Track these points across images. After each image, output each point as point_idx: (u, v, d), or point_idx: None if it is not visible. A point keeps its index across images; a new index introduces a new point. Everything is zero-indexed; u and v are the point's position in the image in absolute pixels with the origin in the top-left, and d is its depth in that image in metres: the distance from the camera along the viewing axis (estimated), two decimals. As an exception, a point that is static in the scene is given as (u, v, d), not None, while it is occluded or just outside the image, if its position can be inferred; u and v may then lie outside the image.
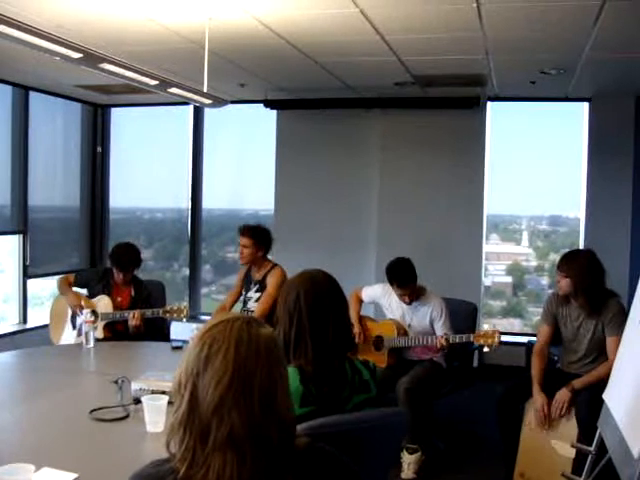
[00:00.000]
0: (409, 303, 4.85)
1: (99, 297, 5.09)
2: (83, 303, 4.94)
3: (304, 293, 2.43)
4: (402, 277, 4.80)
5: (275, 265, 5.25)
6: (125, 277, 5.15)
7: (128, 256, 5.19)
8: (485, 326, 4.65)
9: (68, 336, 5.13)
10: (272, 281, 5.10)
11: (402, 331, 4.86)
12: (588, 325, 4.19)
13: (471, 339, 4.57)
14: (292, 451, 1.48)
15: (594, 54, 4.91)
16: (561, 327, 4.35)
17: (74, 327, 5.13)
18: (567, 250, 4.73)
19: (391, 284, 4.84)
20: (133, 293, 5.21)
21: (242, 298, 5.34)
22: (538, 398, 4.16)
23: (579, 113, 6.95)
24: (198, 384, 1.44)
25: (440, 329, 4.75)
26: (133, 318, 4.86)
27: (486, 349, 4.57)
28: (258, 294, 5.19)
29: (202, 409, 1.42)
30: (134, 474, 1.49)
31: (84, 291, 5.32)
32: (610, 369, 3.95)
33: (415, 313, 4.88)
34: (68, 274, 5.39)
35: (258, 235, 5.16)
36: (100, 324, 4.87)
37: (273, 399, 1.45)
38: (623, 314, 4.03)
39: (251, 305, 5.21)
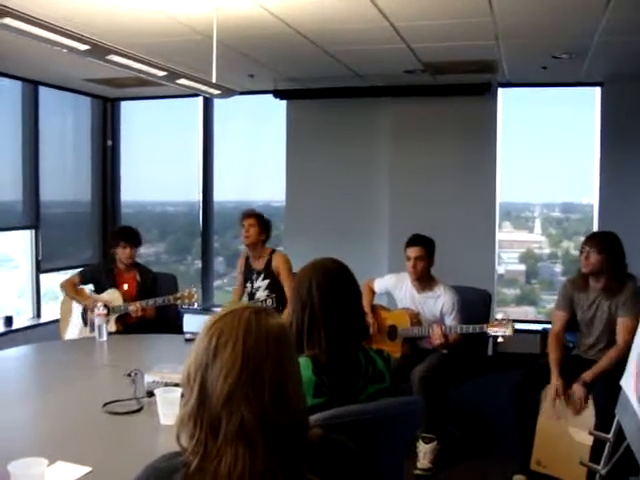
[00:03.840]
0: (417, 277, 4.81)
1: (109, 291, 5.11)
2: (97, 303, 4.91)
3: (316, 282, 2.41)
4: (414, 236, 4.85)
5: (273, 250, 5.42)
6: (131, 253, 5.22)
7: (132, 231, 5.34)
8: (499, 315, 4.60)
9: (80, 333, 5.15)
10: (282, 266, 5.29)
11: (415, 320, 4.83)
12: (604, 308, 4.19)
13: (485, 329, 4.55)
14: (305, 443, 1.46)
15: (606, 38, 4.85)
16: (577, 312, 4.34)
17: (85, 323, 5.15)
18: (593, 232, 4.72)
19: (405, 250, 4.84)
20: (139, 278, 5.28)
21: (247, 291, 5.45)
22: (556, 383, 4.15)
23: (591, 98, 6.88)
24: (207, 376, 1.42)
25: (449, 324, 4.73)
26: (136, 311, 4.91)
27: (500, 339, 4.55)
28: (266, 281, 5.33)
29: (212, 402, 1.40)
30: (146, 467, 1.48)
31: (90, 286, 5.34)
32: (619, 352, 3.94)
33: (425, 304, 4.86)
34: (71, 276, 5.43)
35: (262, 218, 5.34)
36: (112, 317, 4.88)
37: (284, 390, 1.43)
38: (638, 297, 4.03)
39: (260, 295, 5.31)
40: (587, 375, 4.05)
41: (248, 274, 5.45)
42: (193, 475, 1.38)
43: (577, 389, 4.06)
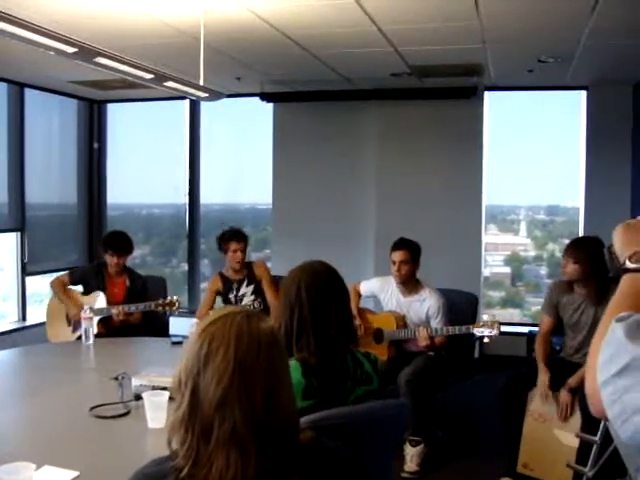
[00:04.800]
0: (402, 281, 4.82)
1: (93, 293, 5.09)
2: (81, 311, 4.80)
3: (305, 284, 2.41)
4: (399, 240, 4.86)
5: (250, 262, 5.48)
6: (119, 262, 5.18)
7: (121, 239, 5.26)
8: (484, 317, 4.62)
9: (66, 334, 5.12)
10: (265, 273, 5.40)
11: (401, 323, 4.84)
12: (589, 313, 4.18)
13: (471, 330, 4.56)
14: (296, 446, 1.46)
15: (592, 42, 4.87)
16: (563, 316, 4.35)
17: (69, 323, 5.12)
18: (575, 237, 4.74)
19: (390, 254, 4.85)
20: (128, 283, 5.26)
21: (231, 302, 5.37)
22: (543, 377, 4.19)
23: (577, 101, 6.91)
24: (199, 382, 1.42)
25: (435, 327, 4.73)
26: (118, 314, 4.89)
27: (486, 340, 4.57)
28: (251, 287, 5.34)
29: (204, 407, 1.40)
30: (136, 472, 1.47)
31: (80, 288, 5.31)
32: None
33: (411, 307, 4.86)
34: (61, 275, 5.39)
35: (246, 238, 5.38)
36: (94, 320, 4.84)
37: (275, 394, 1.44)
38: None
39: (247, 300, 5.32)
40: (572, 380, 4.06)
41: (227, 287, 5.39)
42: None
43: (563, 395, 4.07)
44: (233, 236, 5.29)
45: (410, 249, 4.80)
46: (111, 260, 5.16)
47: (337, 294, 2.46)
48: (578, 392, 4.02)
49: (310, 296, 2.39)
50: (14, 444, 2.72)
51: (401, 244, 4.82)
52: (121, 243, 5.22)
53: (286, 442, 1.43)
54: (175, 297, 4.98)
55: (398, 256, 4.78)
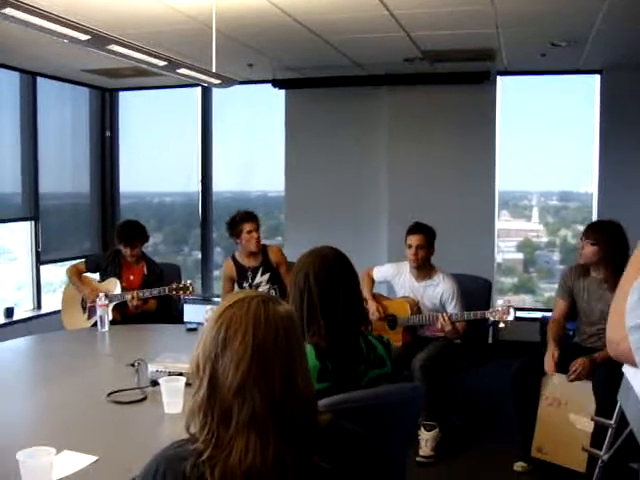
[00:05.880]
0: (418, 265, 4.82)
1: (108, 280, 5.11)
2: (99, 294, 4.78)
3: (313, 270, 2.41)
4: (416, 224, 4.86)
5: (264, 245, 5.40)
6: (133, 252, 5.17)
7: (132, 229, 5.23)
8: (499, 302, 4.61)
9: (81, 321, 5.14)
10: (283, 260, 5.37)
11: (416, 309, 4.84)
12: (608, 298, 4.14)
13: (486, 316, 4.56)
14: (315, 428, 1.47)
15: (605, 25, 4.84)
16: (578, 300, 4.32)
17: (84, 310, 5.15)
18: (592, 221, 4.68)
19: (406, 238, 4.84)
20: (146, 271, 5.25)
21: (246, 289, 5.32)
22: (553, 350, 4.15)
23: (590, 86, 6.87)
24: (217, 367, 1.42)
25: (452, 312, 4.72)
26: (132, 299, 4.88)
27: (502, 325, 4.56)
28: (267, 275, 5.31)
29: (223, 392, 1.41)
30: (156, 455, 1.48)
31: (96, 275, 5.33)
32: None
33: (425, 293, 4.86)
34: (77, 263, 5.41)
35: (258, 217, 5.33)
36: (109, 306, 4.86)
37: (293, 377, 1.44)
38: None
39: (262, 289, 5.25)
40: (599, 355, 3.99)
41: (241, 274, 5.35)
42: (203, 464, 1.39)
43: (583, 360, 4.01)
44: (246, 217, 5.23)
45: (426, 233, 4.79)
46: (125, 251, 5.16)
47: (345, 278, 2.45)
48: (594, 377, 4.00)
49: (318, 281, 2.39)
50: (34, 430, 2.76)
51: (418, 228, 4.82)
52: (133, 234, 5.19)
53: (305, 424, 1.44)
54: (189, 281, 4.98)
55: (415, 240, 4.78)
